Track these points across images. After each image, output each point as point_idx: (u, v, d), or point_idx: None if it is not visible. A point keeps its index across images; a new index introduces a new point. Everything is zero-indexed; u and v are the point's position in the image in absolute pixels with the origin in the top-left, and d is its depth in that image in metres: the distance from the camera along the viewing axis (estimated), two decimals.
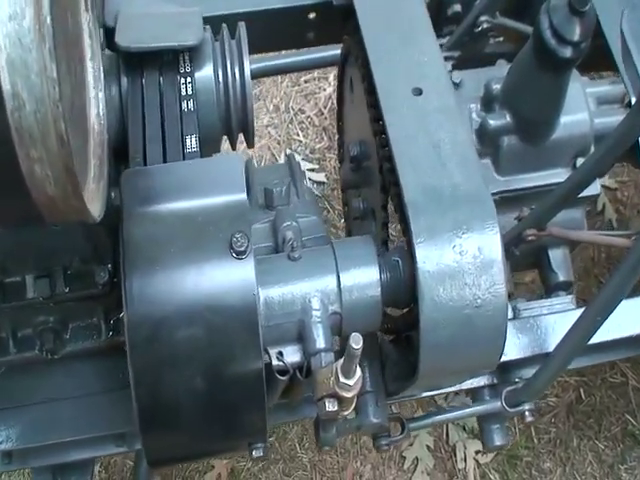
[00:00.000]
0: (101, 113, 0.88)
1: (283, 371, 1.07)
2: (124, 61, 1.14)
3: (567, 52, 1.14)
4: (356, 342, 0.95)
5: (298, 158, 2.14)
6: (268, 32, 1.45)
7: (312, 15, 1.43)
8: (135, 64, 1.13)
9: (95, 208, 0.82)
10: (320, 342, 1.06)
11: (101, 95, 0.88)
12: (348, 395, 1.00)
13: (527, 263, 1.46)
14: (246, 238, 1.00)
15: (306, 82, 2.20)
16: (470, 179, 1.08)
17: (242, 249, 1.00)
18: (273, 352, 1.07)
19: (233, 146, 1.26)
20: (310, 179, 2.12)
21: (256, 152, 2.16)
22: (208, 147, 1.21)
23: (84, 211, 0.76)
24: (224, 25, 1.20)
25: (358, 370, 1.00)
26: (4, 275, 1.08)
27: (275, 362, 1.07)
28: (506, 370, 1.31)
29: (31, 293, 1.12)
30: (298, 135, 2.18)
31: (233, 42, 1.18)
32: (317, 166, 2.13)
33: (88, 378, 1.28)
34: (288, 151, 2.16)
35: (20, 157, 0.67)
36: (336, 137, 2.01)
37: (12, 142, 0.66)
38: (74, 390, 1.27)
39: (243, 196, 1.04)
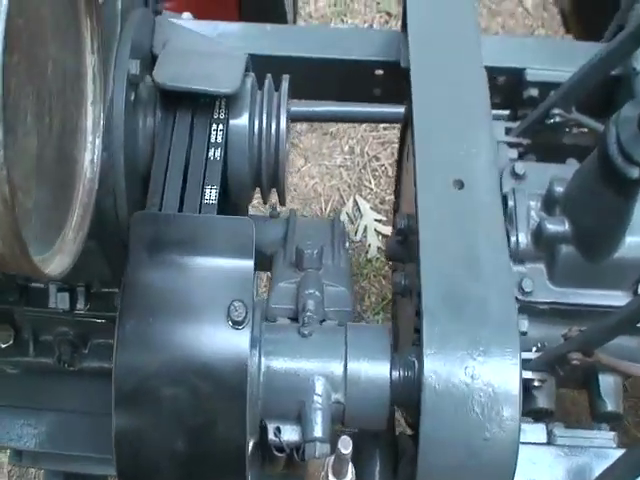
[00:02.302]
0: (95, 160, 0.82)
1: (280, 447, 1.02)
2: (160, 96, 1.08)
3: (635, 173, 1.00)
4: (345, 446, 0.89)
5: (367, 206, 2.06)
6: (336, 82, 1.40)
7: (379, 72, 1.35)
8: (170, 101, 1.08)
9: (63, 261, 0.77)
10: (317, 430, 0.99)
11: (98, 142, 0.81)
12: None
13: (575, 382, 1.32)
14: (244, 308, 0.96)
15: (385, 129, 2.11)
16: (501, 296, 0.97)
17: (239, 319, 0.96)
18: (271, 426, 1.03)
19: (264, 199, 1.19)
20: (375, 230, 2.03)
21: (325, 192, 2.09)
22: (238, 197, 1.15)
23: (36, 271, 0.70)
24: (269, 75, 1.14)
25: (350, 471, 0.93)
26: (29, 280, 1.11)
27: (271, 437, 1.02)
28: None
29: (53, 303, 1.16)
30: (370, 182, 2.09)
31: (275, 95, 1.11)
32: (385, 218, 2.03)
33: (106, 398, 1.27)
34: (359, 197, 2.07)
35: None
36: None
37: None
38: (91, 406, 1.27)
39: (250, 263, 0.99)
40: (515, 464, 0.97)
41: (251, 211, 1.62)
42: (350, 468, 0.94)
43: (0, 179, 0.59)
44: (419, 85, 1.16)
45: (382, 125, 2.09)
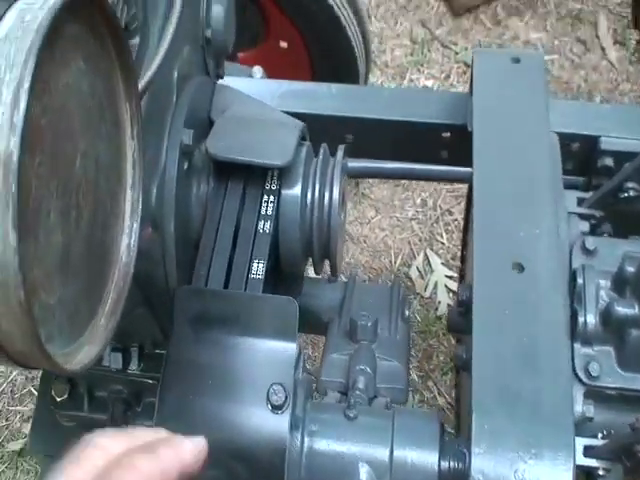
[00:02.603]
0: (132, 244, 0.80)
1: None
2: (214, 164, 1.07)
3: None
4: None
5: (438, 261, 2.00)
6: (402, 143, 1.36)
7: (446, 134, 1.31)
8: (223, 170, 1.07)
9: (92, 351, 0.74)
10: None
11: (136, 226, 0.79)
12: None
13: None
14: (284, 392, 0.94)
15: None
16: (557, 392, 0.90)
17: (278, 403, 0.94)
18: None
19: (316, 270, 1.15)
20: (446, 286, 1.96)
21: (395, 245, 2.04)
22: (290, 267, 1.13)
23: (57, 368, 0.68)
24: (324, 145, 1.11)
25: None
26: None
27: None
28: None
29: (106, 362, 1.17)
30: (442, 237, 2.03)
31: (330, 164, 1.08)
32: (456, 275, 1.96)
33: None
34: (431, 252, 2.01)
35: None
36: None
37: None
38: None
39: (292, 345, 0.97)
40: None
41: None
42: None
43: (16, 283, 0.58)
44: (481, 153, 1.11)
45: None
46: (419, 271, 1.99)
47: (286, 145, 1.02)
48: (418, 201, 2.07)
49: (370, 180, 2.09)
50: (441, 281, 1.96)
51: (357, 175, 1.66)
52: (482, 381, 0.92)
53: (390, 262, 2.01)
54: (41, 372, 1.29)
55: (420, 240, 2.03)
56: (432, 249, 2.01)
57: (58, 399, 1.23)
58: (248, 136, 1.04)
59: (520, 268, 0.97)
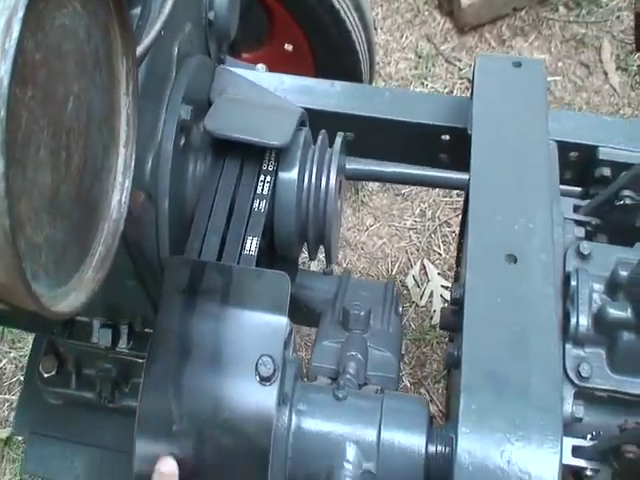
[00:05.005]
0: (123, 201, 0.80)
1: None
2: (211, 143, 1.07)
3: None
4: None
5: (434, 271, 1.99)
6: (401, 144, 1.36)
7: (446, 137, 1.30)
8: (220, 149, 1.07)
9: (78, 298, 0.74)
10: None
11: (128, 183, 0.79)
12: None
13: (635, 476, 1.21)
14: (273, 364, 0.93)
15: (458, 195, 2.04)
16: (545, 379, 0.90)
17: (267, 375, 0.93)
18: None
19: (311, 256, 1.15)
20: (442, 296, 1.96)
21: (393, 253, 2.03)
22: (284, 250, 1.12)
23: (41, 307, 0.67)
24: (323, 131, 1.10)
25: None
26: None
27: None
28: None
29: (95, 339, 1.16)
30: (439, 247, 2.02)
31: (328, 151, 1.08)
32: (451, 285, 1.95)
33: None
34: (428, 262, 2.00)
35: None
36: None
37: None
38: (128, 445, 1.23)
39: (282, 319, 0.96)
40: None
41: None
42: None
43: (1, 211, 0.58)
44: (479, 153, 1.12)
45: (455, 191, 2.02)
46: (415, 280, 1.98)
47: (285, 127, 1.02)
48: (417, 211, 2.07)
49: (370, 188, 2.10)
50: (437, 291, 1.95)
51: (355, 177, 1.66)
52: (472, 364, 0.91)
53: (387, 270, 2.01)
54: (30, 348, 1.28)
55: (417, 250, 2.02)
56: (429, 259, 2.01)
57: (46, 375, 1.23)
58: (247, 116, 1.04)
59: (513, 259, 0.97)
